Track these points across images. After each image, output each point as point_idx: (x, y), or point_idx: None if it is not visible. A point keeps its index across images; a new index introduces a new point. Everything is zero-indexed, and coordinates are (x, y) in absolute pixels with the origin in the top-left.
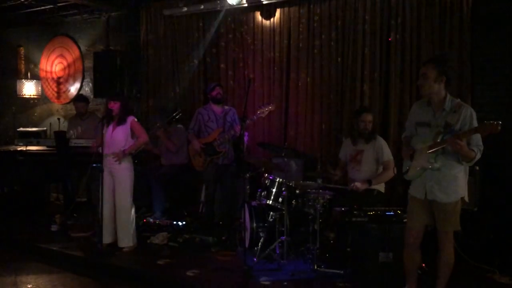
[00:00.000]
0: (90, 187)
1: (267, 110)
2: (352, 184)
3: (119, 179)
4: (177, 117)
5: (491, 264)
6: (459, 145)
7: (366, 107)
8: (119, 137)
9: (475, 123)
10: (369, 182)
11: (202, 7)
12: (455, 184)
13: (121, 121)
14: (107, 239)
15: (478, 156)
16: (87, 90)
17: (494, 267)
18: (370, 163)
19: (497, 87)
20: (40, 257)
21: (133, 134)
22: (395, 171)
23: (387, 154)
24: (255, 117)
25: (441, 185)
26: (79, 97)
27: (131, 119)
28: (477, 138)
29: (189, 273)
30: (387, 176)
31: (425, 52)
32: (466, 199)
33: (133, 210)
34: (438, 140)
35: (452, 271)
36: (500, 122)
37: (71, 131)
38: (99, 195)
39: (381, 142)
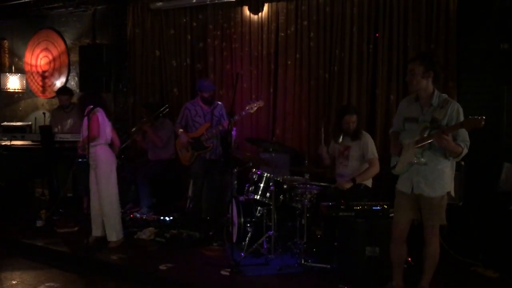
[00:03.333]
0: (76, 182)
1: (255, 106)
2: (337, 183)
3: (99, 172)
4: (164, 112)
5: (476, 258)
6: (445, 140)
7: (348, 107)
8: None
9: (462, 119)
10: (353, 180)
11: (189, 1)
12: (441, 179)
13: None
14: (97, 232)
15: (465, 151)
16: (73, 84)
17: (478, 260)
18: (357, 159)
19: (482, 83)
20: (25, 253)
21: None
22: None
23: (372, 151)
24: (243, 113)
25: (428, 179)
26: (63, 90)
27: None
28: (464, 133)
29: (176, 269)
30: (372, 172)
31: (411, 48)
32: (453, 193)
33: (118, 204)
34: (425, 135)
35: (437, 264)
36: (484, 117)
37: (57, 128)
38: (83, 188)
39: (367, 139)
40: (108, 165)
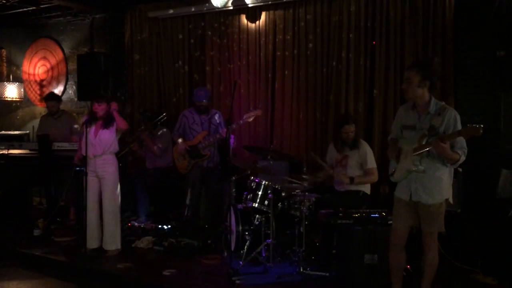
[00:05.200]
0: (72, 191)
1: (253, 115)
2: (337, 185)
3: (107, 182)
4: (162, 120)
5: (475, 265)
6: (442, 147)
7: (346, 117)
8: (105, 138)
9: (459, 126)
10: (351, 179)
11: (187, 9)
12: (439, 186)
13: (108, 123)
14: (93, 244)
15: (463, 158)
16: (71, 93)
17: (477, 267)
18: (355, 168)
19: (479, 90)
20: (22, 262)
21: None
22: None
23: (371, 162)
24: (241, 122)
25: (426, 186)
26: (50, 96)
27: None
28: (462, 140)
29: (174, 277)
30: (370, 180)
31: (408, 56)
32: (451, 200)
33: (119, 213)
34: (423, 143)
35: (436, 272)
36: (482, 126)
37: (46, 131)
38: (82, 198)
39: (366, 148)
40: (116, 175)
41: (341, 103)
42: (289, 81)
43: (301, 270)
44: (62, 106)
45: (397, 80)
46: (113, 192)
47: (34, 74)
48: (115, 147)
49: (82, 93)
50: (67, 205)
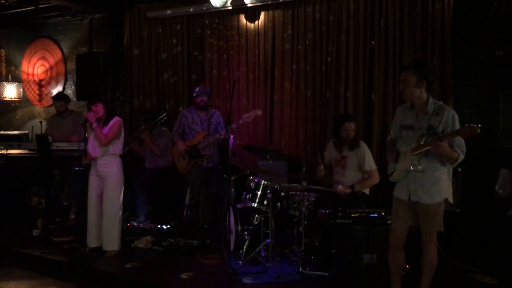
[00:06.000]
0: (72, 191)
1: (253, 115)
2: (338, 189)
3: (108, 183)
4: (162, 120)
5: (474, 264)
6: (441, 146)
7: (348, 115)
8: (108, 136)
9: (457, 125)
10: (352, 187)
11: (186, 9)
12: (438, 186)
13: (108, 120)
14: (92, 243)
15: (462, 157)
16: (70, 92)
17: (477, 267)
18: (354, 169)
19: (478, 89)
20: (21, 262)
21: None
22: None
23: (369, 163)
24: (240, 122)
25: (425, 186)
26: (58, 96)
27: (115, 119)
28: (460, 139)
29: (173, 278)
30: (371, 182)
31: (408, 56)
32: (451, 200)
33: (120, 214)
34: (422, 143)
35: (435, 271)
36: (480, 125)
37: (53, 130)
38: (82, 198)
39: (364, 149)
40: (119, 176)
41: (340, 103)
42: (288, 80)
43: (300, 269)
44: None
45: (396, 80)
46: (114, 193)
47: (33, 74)
48: (118, 149)
49: (81, 93)
50: (70, 205)
